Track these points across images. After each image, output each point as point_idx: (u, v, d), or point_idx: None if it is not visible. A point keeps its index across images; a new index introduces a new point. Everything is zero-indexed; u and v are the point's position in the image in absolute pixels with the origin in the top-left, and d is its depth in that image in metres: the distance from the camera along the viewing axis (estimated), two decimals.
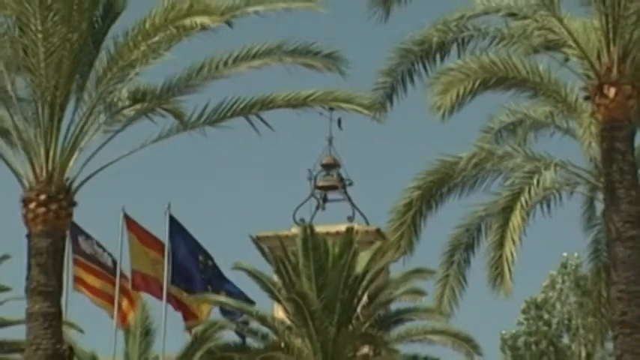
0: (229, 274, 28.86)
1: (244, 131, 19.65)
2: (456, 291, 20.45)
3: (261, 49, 19.38)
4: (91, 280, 28.52)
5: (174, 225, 28.73)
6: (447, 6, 19.80)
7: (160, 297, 27.91)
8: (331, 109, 21.10)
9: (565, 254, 39.28)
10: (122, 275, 27.97)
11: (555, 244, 48.49)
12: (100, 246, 28.64)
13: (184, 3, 18.56)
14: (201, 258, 28.90)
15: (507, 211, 19.52)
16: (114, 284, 28.10)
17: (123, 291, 27.88)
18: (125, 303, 28.02)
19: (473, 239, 20.68)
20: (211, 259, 29.02)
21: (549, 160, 19.69)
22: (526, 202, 19.24)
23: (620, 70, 18.63)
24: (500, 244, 19.43)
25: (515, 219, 19.26)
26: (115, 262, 28.52)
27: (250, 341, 26.72)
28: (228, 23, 18.79)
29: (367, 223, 31.00)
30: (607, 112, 18.69)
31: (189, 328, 26.91)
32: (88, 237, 28.43)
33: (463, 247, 20.62)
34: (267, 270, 26.93)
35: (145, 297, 28.02)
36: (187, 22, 18.54)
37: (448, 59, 19.71)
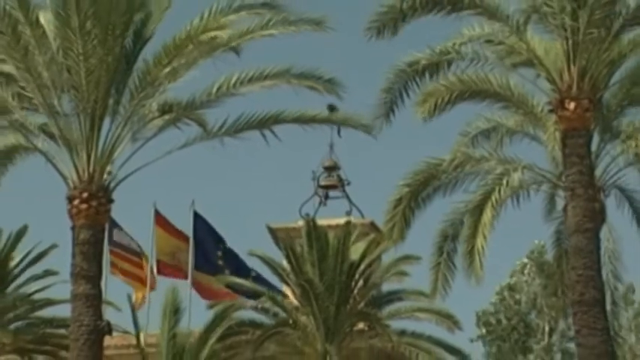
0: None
1: (259, 139, 19.79)
2: (447, 276, 20.46)
3: (272, 71, 19.42)
4: (126, 265, 28.63)
5: (198, 219, 28.79)
6: (437, 34, 19.95)
7: (183, 279, 27.97)
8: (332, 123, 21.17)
9: (537, 241, 39.21)
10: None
11: (523, 232, 48.40)
12: (128, 235, 28.68)
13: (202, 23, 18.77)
14: (220, 247, 28.98)
15: (479, 208, 19.60)
16: (140, 267, 28.27)
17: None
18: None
19: (457, 231, 20.66)
20: (229, 249, 29.08)
21: (518, 163, 19.77)
22: (496, 201, 19.31)
23: (579, 87, 18.68)
24: (473, 238, 19.48)
25: (486, 216, 19.34)
26: (139, 247, 28.60)
27: (263, 318, 26.71)
28: (236, 51, 18.93)
29: (363, 216, 30.88)
30: (568, 122, 18.75)
31: (211, 306, 26.89)
32: (120, 228, 28.46)
33: (450, 238, 20.62)
34: (278, 257, 26.96)
35: (174, 281, 28.06)
36: (204, 37, 18.70)
37: (437, 78, 19.77)
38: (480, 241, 19.24)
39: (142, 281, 28.33)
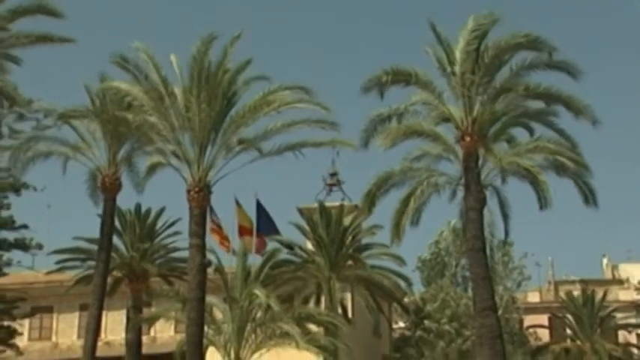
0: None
1: (291, 156, 19.72)
2: (400, 234, 20.15)
3: (301, 119, 19.36)
4: (217, 229, 28.61)
5: (259, 204, 28.92)
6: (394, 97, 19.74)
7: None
8: (334, 145, 21.33)
9: (452, 219, 39.17)
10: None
11: (445, 211, 48.33)
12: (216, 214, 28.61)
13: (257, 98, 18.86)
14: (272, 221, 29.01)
15: (406, 201, 19.33)
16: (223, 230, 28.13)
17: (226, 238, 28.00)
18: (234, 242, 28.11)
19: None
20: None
21: (436, 172, 19.79)
22: (417, 197, 19.06)
23: (472, 129, 18.61)
24: (400, 218, 19.30)
25: (410, 205, 19.11)
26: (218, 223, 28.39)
27: (294, 258, 26.85)
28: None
29: (351, 201, 30.88)
30: (466, 149, 18.70)
31: (261, 253, 26.90)
32: (213, 210, 28.38)
33: (401, 212, 20.43)
34: (303, 224, 27.04)
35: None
36: (267, 109, 18.84)
37: (392, 123, 19.45)
38: (403, 220, 19.03)
39: (226, 239, 28.29)
